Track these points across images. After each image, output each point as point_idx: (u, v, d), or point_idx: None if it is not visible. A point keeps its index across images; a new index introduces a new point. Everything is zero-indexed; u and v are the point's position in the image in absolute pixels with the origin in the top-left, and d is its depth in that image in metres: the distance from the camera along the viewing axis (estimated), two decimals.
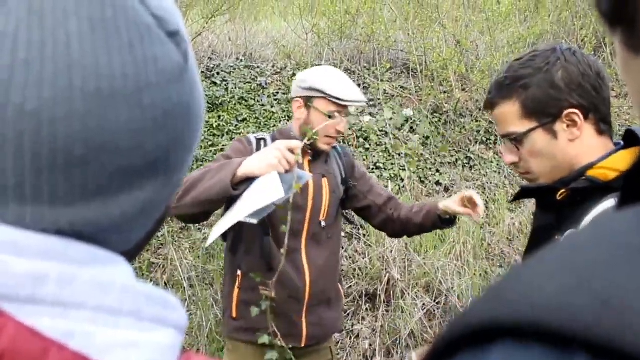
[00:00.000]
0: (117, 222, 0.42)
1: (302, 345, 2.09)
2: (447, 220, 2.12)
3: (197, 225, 4.09)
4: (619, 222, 0.28)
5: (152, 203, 0.44)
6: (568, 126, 1.15)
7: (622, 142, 1.17)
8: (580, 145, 1.16)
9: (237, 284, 2.09)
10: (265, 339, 1.93)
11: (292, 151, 1.81)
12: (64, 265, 0.38)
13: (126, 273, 0.42)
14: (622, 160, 1.09)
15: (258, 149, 2.04)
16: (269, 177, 1.75)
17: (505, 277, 0.28)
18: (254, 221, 1.77)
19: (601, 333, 0.22)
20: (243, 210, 1.73)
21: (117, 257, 0.42)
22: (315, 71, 2.12)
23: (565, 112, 1.14)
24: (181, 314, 0.43)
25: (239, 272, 2.09)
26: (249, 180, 1.78)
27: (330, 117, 2.01)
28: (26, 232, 0.38)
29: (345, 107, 2.03)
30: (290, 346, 2.02)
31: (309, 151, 2.10)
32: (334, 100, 2.01)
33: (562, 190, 1.14)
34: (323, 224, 2.11)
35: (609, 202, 1.06)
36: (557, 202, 1.16)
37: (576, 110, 1.14)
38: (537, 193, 1.24)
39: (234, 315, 2.10)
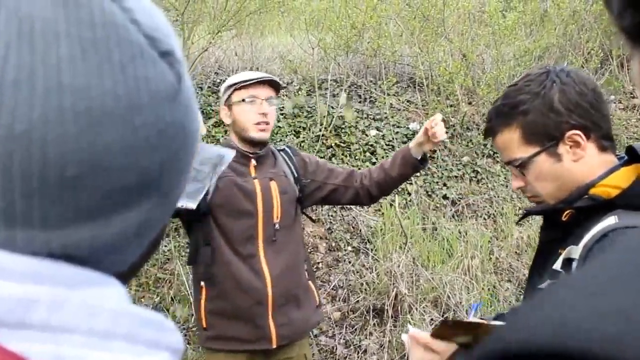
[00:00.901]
0: (110, 243, 0.41)
1: (274, 347, 2.12)
2: (423, 159, 2.17)
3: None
4: None
5: (146, 223, 0.44)
6: (571, 147, 1.15)
7: (624, 156, 1.17)
8: (584, 164, 1.16)
9: (201, 294, 2.14)
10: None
11: None
12: (55, 288, 0.37)
13: (119, 295, 0.41)
14: (623, 178, 1.09)
15: None
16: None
17: (526, 307, 0.28)
18: (192, 205, 1.83)
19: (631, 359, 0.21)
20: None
21: (110, 279, 0.42)
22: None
23: (568, 134, 1.14)
24: (177, 337, 0.42)
25: (202, 284, 2.13)
26: None
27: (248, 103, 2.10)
28: (16, 256, 0.37)
29: (255, 87, 2.10)
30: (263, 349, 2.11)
31: (252, 155, 2.16)
32: (240, 85, 2.10)
33: (568, 211, 1.14)
34: (277, 226, 2.14)
35: (610, 220, 1.05)
36: (563, 222, 1.15)
37: (578, 131, 1.14)
38: (542, 214, 1.24)
39: (204, 325, 2.15)
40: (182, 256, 3.97)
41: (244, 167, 2.16)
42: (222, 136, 4.66)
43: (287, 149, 2.33)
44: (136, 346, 0.38)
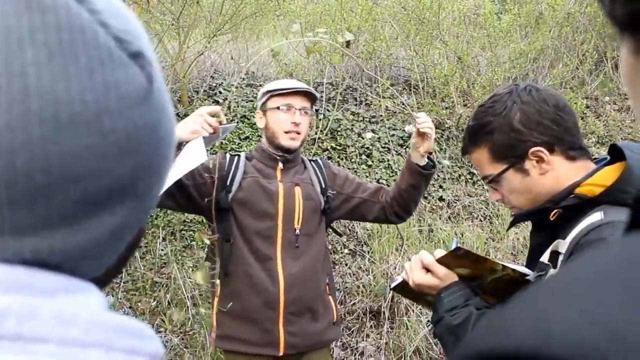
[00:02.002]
0: (85, 248, 0.40)
1: (281, 354, 2.10)
2: (428, 165, 2.17)
3: (200, 244, 4.09)
4: (628, 251, 0.27)
5: (122, 228, 0.43)
6: (537, 162, 1.21)
7: (607, 157, 1.21)
8: (553, 176, 1.21)
9: (216, 293, 2.15)
10: None
11: (214, 115, 1.91)
12: (28, 297, 0.36)
13: (96, 302, 0.41)
14: (607, 176, 1.14)
15: (230, 164, 2.16)
16: (194, 142, 1.84)
17: (509, 308, 0.28)
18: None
19: None
20: (172, 176, 1.81)
21: (87, 285, 0.41)
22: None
23: (531, 151, 1.20)
24: (156, 344, 0.41)
25: (217, 281, 2.13)
26: (179, 147, 1.87)
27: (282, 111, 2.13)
28: None
29: (292, 96, 2.13)
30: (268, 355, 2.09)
31: (279, 158, 2.18)
32: (277, 93, 2.13)
33: (555, 210, 1.18)
34: (297, 231, 2.13)
35: (596, 215, 1.10)
36: (551, 222, 1.20)
37: (540, 148, 1.20)
38: (531, 217, 1.26)
39: (215, 324, 2.15)
40: (178, 260, 3.98)
41: (270, 169, 2.18)
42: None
43: (319, 160, 2.35)
44: (113, 354, 0.37)
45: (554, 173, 1.20)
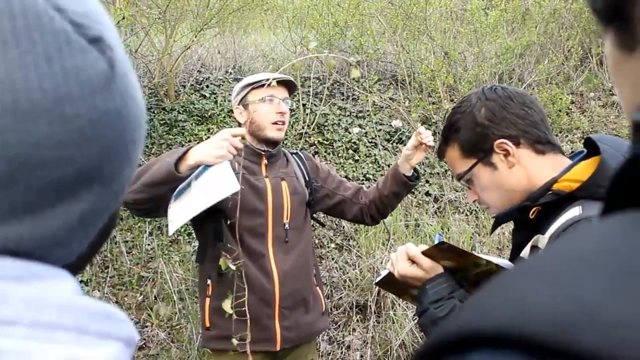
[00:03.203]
0: (54, 235, 0.40)
1: (278, 349, 2.11)
2: (414, 176, 2.19)
3: (187, 238, 4.08)
4: (602, 232, 0.28)
5: (90, 214, 0.43)
6: (505, 155, 1.24)
7: (584, 150, 1.24)
8: (522, 169, 1.24)
9: (207, 293, 2.13)
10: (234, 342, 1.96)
11: (238, 137, 1.89)
12: None
13: (68, 287, 0.41)
14: (583, 171, 1.16)
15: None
16: (220, 168, 1.81)
17: (487, 288, 0.28)
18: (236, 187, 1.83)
19: (585, 345, 0.22)
20: (200, 203, 1.79)
21: (59, 271, 0.41)
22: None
23: (495, 143, 1.24)
24: (129, 327, 0.42)
25: (208, 282, 2.12)
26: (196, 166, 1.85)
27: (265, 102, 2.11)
28: None
29: (273, 87, 2.10)
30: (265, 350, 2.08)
31: (263, 153, 2.17)
32: (258, 85, 2.11)
33: (534, 208, 1.20)
34: (287, 226, 2.14)
35: (575, 210, 1.12)
36: (531, 220, 1.22)
37: (505, 140, 1.23)
38: (512, 216, 1.29)
39: (207, 324, 2.13)
40: (165, 254, 3.97)
41: (255, 165, 2.17)
42: (205, 134, 4.66)
43: (300, 153, 2.35)
44: (86, 337, 0.38)
45: (523, 167, 1.23)
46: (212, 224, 2.09)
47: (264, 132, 2.13)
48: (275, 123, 2.13)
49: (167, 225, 4.15)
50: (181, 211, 1.85)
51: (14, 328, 0.35)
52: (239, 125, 2.19)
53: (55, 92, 0.37)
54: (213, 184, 1.80)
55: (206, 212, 2.00)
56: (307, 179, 2.25)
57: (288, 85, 2.19)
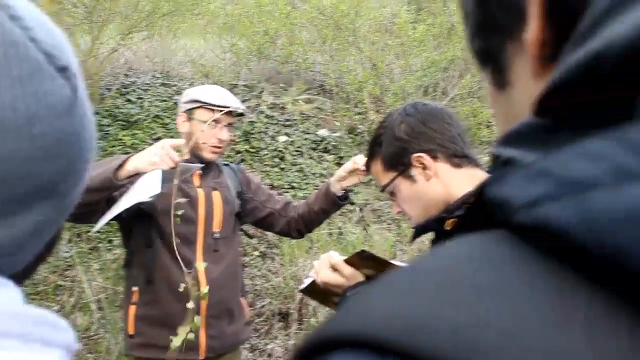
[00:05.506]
0: (5, 246, 0.43)
1: (202, 358, 2.12)
2: (344, 197, 2.23)
3: (107, 245, 4.01)
4: (454, 249, 0.31)
5: (42, 226, 0.46)
6: (423, 169, 1.30)
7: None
8: (439, 182, 1.29)
9: (132, 299, 2.11)
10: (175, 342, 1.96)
11: (177, 149, 1.90)
12: None
13: (14, 296, 0.43)
14: None
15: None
16: (151, 174, 1.83)
17: (357, 298, 0.30)
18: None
19: (411, 341, 0.25)
20: (122, 204, 1.81)
21: (4, 281, 0.43)
22: (197, 87, 2.25)
23: (413, 157, 1.29)
24: (70, 335, 0.44)
25: (134, 288, 2.11)
26: (135, 175, 1.85)
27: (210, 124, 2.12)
28: None
29: (223, 113, 2.11)
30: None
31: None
32: (210, 107, 2.12)
33: (450, 220, 1.25)
34: (217, 235, 2.16)
35: None
36: (447, 232, 1.27)
37: (422, 154, 1.28)
38: (430, 227, 1.35)
39: (131, 332, 2.12)
40: (83, 262, 3.88)
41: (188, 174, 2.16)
42: (130, 140, 4.58)
43: (232, 165, 2.37)
44: (30, 344, 0.40)
45: (440, 179, 1.28)
46: (141, 230, 2.08)
47: (201, 152, 2.14)
48: (214, 146, 2.15)
49: (87, 232, 4.07)
50: (109, 211, 1.87)
51: None
52: (172, 137, 2.18)
53: (27, 112, 0.41)
54: (137, 188, 1.82)
55: (136, 217, 2.00)
56: (239, 190, 2.28)
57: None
